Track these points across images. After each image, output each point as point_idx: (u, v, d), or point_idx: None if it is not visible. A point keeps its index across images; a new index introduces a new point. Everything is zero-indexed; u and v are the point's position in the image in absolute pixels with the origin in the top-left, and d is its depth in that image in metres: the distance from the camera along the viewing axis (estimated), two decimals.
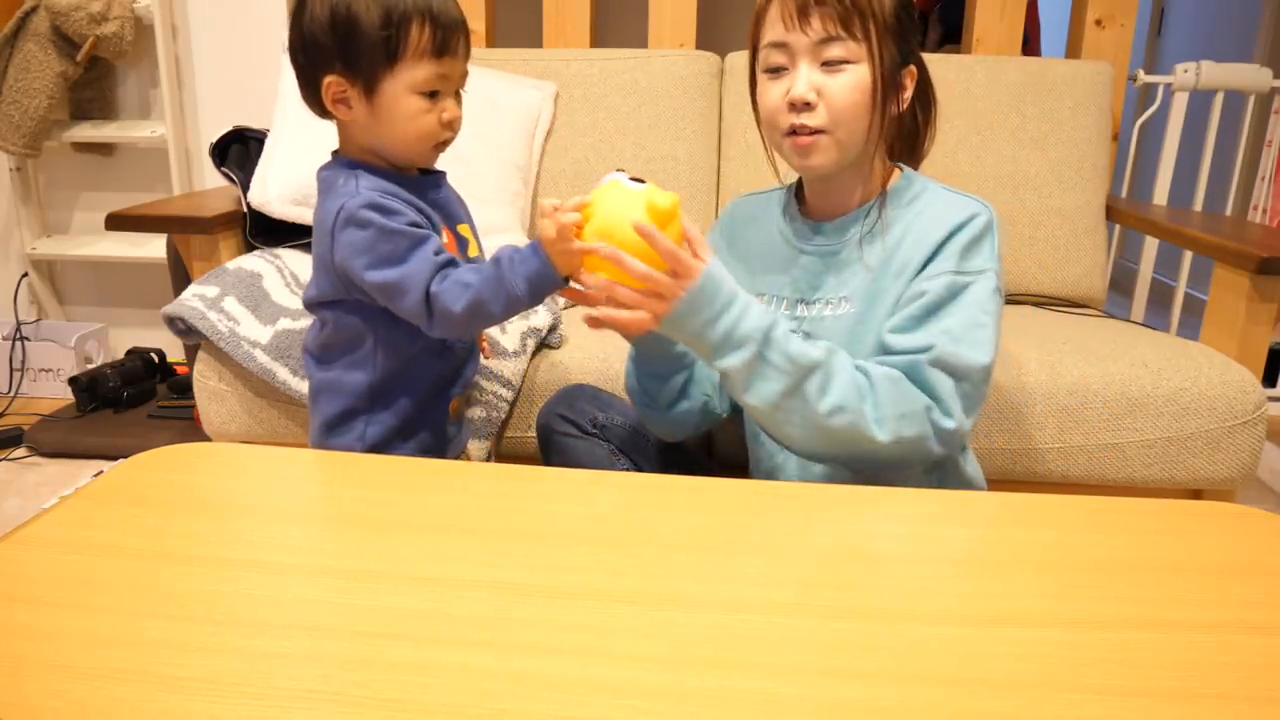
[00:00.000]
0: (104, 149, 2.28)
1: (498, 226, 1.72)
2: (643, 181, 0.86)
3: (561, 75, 1.84)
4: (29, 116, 2.08)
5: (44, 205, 2.33)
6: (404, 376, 0.99)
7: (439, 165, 1.01)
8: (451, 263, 0.91)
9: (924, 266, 0.93)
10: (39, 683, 0.51)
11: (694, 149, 1.81)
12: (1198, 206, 2.19)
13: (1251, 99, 2.16)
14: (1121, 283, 2.52)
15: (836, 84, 0.91)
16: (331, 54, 0.90)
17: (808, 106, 0.91)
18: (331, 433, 1.01)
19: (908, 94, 0.96)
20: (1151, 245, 2.12)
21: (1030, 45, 2.37)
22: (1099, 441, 1.27)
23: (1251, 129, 2.23)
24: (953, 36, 2.38)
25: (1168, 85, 2.10)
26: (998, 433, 1.29)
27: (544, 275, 0.89)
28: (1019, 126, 1.76)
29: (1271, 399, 1.46)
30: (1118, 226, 1.94)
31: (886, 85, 0.92)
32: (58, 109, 2.15)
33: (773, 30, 0.93)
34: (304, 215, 1.62)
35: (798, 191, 1.06)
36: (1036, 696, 0.52)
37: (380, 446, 1.00)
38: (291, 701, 0.50)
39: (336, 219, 0.90)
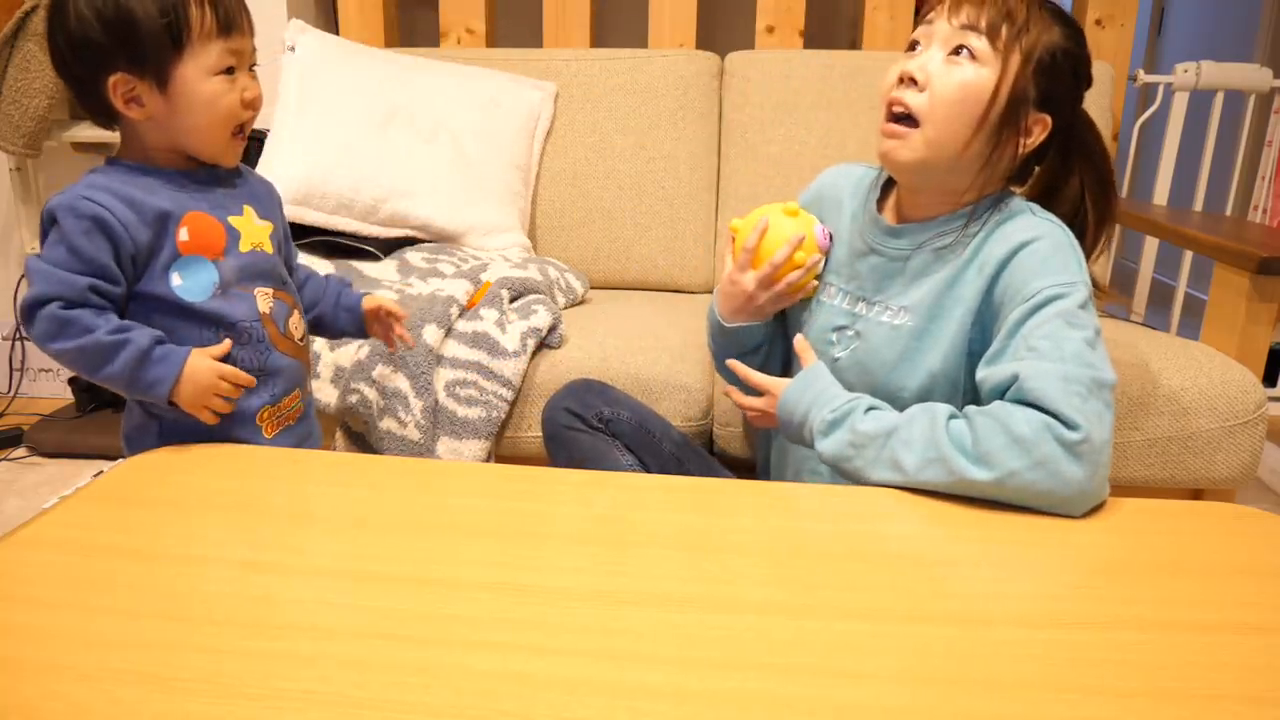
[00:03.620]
0: (104, 149, 2.28)
1: (498, 226, 1.72)
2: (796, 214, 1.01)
3: (561, 75, 1.84)
4: (29, 116, 2.08)
5: (44, 205, 2.33)
6: None
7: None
8: (85, 302, 0.86)
9: (989, 289, 0.88)
10: (39, 684, 0.51)
11: (694, 149, 1.81)
12: (1198, 206, 2.19)
13: (1251, 99, 2.16)
14: (1121, 283, 2.52)
15: (950, 73, 0.87)
16: (111, 53, 0.85)
17: (913, 82, 0.88)
18: (131, 444, 0.95)
19: (1033, 140, 0.90)
20: (1151, 245, 2.12)
21: None
22: None
23: (1251, 129, 2.23)
24: None
25: (1168, 85, 2.10)
26: None
27: (163, 392, 0.87)
28: None
29: (1271, 399, 1.46)
30: (1118, 226, 1.94)
31: (1001, 105, 0.87)
32: (58, 109, 2.14)
33: (930, 12, 0.91)
34: (304, 215, 1.62)
35: (885, 184, 1.02)
36: (1036, 696, 0.52)
37: None
38: (291, 702, 0.50)
39: (44, 211, 0.89)
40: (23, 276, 2.28)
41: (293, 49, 1.75)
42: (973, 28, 0.87)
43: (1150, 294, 2.17)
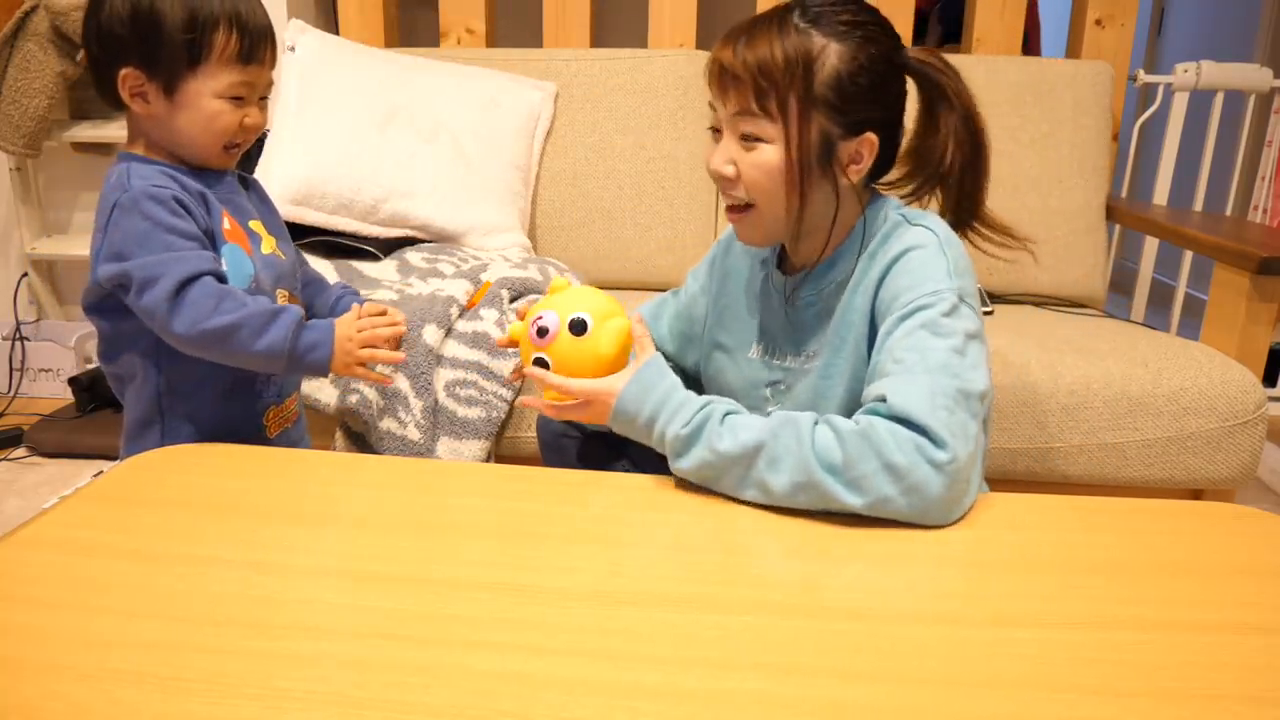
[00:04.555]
0: (104, 149, 2.28)
1: (498, 226, 1.72)
2: (584, 327, 0.85)
3: (561, 75, 1.84)
4: (29, 116, 2.08)
5: (44, 205, 2.33)
6: (195, 380, 0.94)
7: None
8: (219, 275, 0.88)
9: (872, 309, 0.87)
10: (39, 684, 0.51)
11: (694, 149, 1.81)
12: (1198, 206, 2.19)
13: (1251, 99, 2.16)
14: (1121, 283, 2.52)
15: (748, 162, 0.86)
16: (129, 48, 0.87)
17: (727, 180, 0.88)
18: (131, 442, 0.96)
19: (863, 165, 0.87)
20: (1151, 245, 2.12)
21: (1030, 45, 2.37)
22: (1099, 441, 1.27)
23: (1251, 129, 2.23)
24: (953, 36, 2.38)
25: (1168, 85, 2.10)
26: (998, 433, 1.29)
27: (320, 357, 0.90)
28: (1019, 126, 1.76)
29: (1271, 399, 1.46)
30: (1118, 226, 1.94)
31: (807, 166, 0.85)
32: (58, 109, 2.14)
33: (711, 91, 0.90)
34: (304, 215, 1.62)
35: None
36: (1036, 696, 0.52)
37: None
38: (291, 702, 0.50)
39: (111, 212, 0.87)
40: (23, 276, 2.29)
41: (293, 49, 1.75)
42: (745, 112, 0.85)
43: (1150, 294, 2.17)
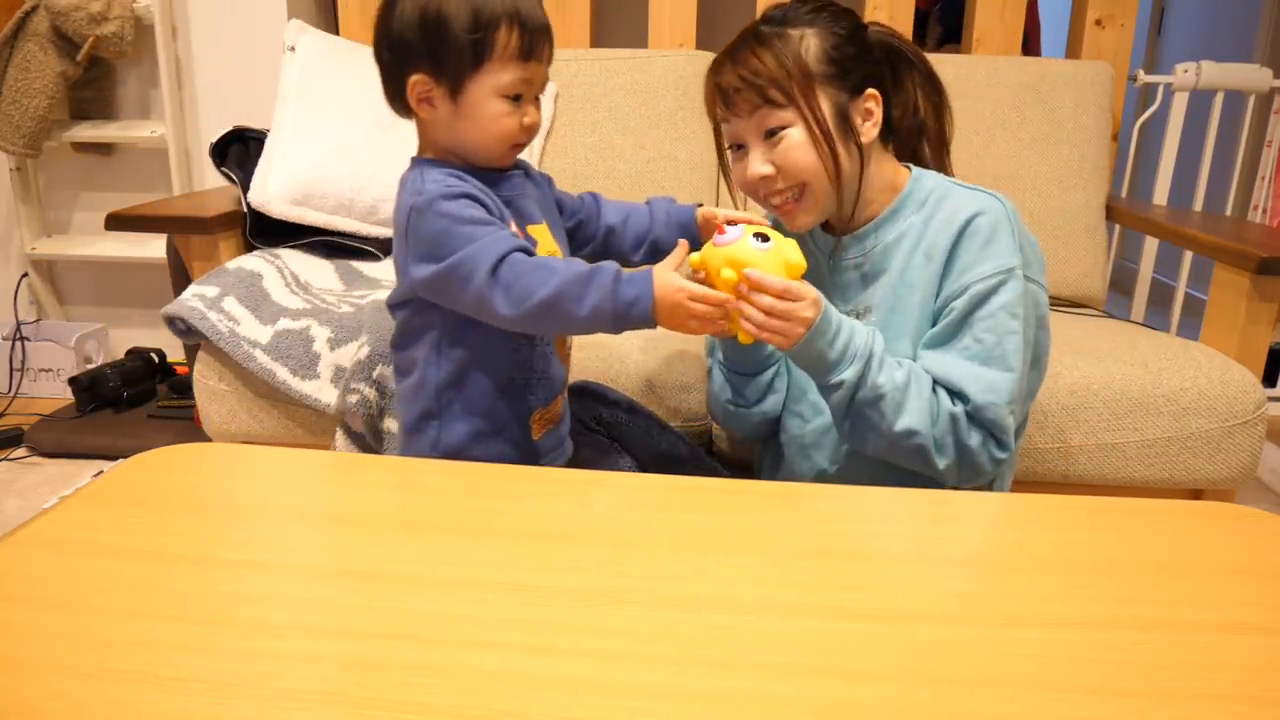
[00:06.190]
0: (104, 149, 2.28)
1: None
2: (767, 239, 0.89)
3: (561, 75, 1.84)
4: (29, 116, 2.08)
5: (44, 205, 2.33)
6: (470, 376, 0.96)
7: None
8: (526, 249, 0.88)
9: (944, 271, 0.94)
10: (39, 683, 0.51)
11: (694, 149, 1.81)
12: (1198, 206, 2.19)
13: (1251, 99, 2.16)
14: (1121, 283, 2.52)
15: (781, 152, 0.94)
16: (419, 53, 0.89)
17: (770, 180, 0.95)
18: (409, 438, 0.99)
19: (875, 119, 0.97)
20: (1151, 245, 2.12)
21: (1030, 45, 2.37)
22: (1099, 441, 1.27)
23: (1251, 129, 2.23)
24: (953, 36, 2.38)
25: (1168, 85, 2.10)
26: None
27: (642, 311, 0.86)
28: (1019, 126, 1.76)
29: (1271, 399, 1.46)
30: (1118, 226, 1.94)
31: (831, 132, 0.94)
32: (58, 109, 2.14)
33: (719, 113, 0.98)
34: (304, 215, 1.62)
35: None
36: (1036, 696, 0.52)
37: (454, 455, 0.96)
38: (291, 702, 0.50)
39: (409, 216, 0.89)
40: (23, 276, 2.29)
41: (293, 49, 1.75)
42: (759, 109, 0.94)
43: (1150, 294, 2.17)
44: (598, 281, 0.85)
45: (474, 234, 0.87)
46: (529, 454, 0.99)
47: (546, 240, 0.98)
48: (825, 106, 0.94)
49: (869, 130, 0.97)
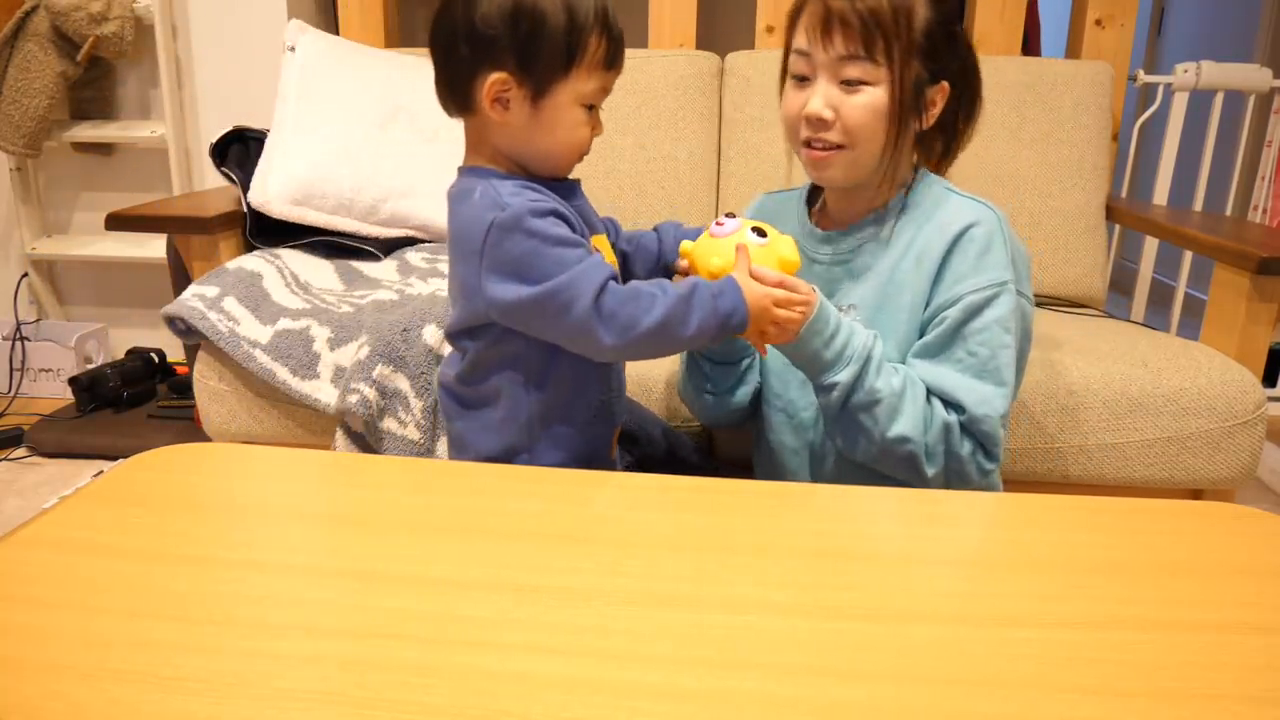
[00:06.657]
0: (104, 149, 2.28)
1: None
2: (764, 234, 0.90)
3: None
4: (29, 116, 2.08)
5: (44, 205, 2.33)
6: (567, 405, 0.92)
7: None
8: (615, 275, 0.85)
9: (936, 279, 0.93)
10: (39, 683, 0.51)
11: (694, 149, 1.81)
12: (1198, 206, 2.19)
13: (1251, 99, 2.16)
14: (1121, 283, 2.52)
15: (852, 104, 0.91)
16: (505, 50, 0.83)
17: (823, 123, 0.92)
18: (474, 444, 0.94)
19: (936, 110, 0.95)
20: (1151, 245, 2.12)
21: (1030, 45, 2.37)
22: (1099, 441, 1.27)
23: (1251, 129, 2.23)
24: None
25: (1168, 85, 2.10)
26: None
27: (739, 320, 0.85)
28: (1019, 126, 1.76)
29: (1271, 399, 1.46)
30: (1118, 226, 1.94)
31: (906, 108, 0.91)
32: (58, 109, 2.15)
33: (800, 38, 0.93)
34: (304, 215, 1.62)
35: (809, 197, 1.07)
36: (1036, 696, 0.52)
37: None
38: (291, 702, 0.50)
39: (489, 232, 0.83)
40: (23, 276, 2.29)
41: (293, 49, 1.75)
42: (852, 57, 0.89)
43: (1150, 294, 2.17)
44: (698, 300, 0.84)
45: (563, 257, 0.83)
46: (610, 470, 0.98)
47: (606, 250, 0.95)
48: (910, 80, 0.91)
49: (928, 119, 0.95)
